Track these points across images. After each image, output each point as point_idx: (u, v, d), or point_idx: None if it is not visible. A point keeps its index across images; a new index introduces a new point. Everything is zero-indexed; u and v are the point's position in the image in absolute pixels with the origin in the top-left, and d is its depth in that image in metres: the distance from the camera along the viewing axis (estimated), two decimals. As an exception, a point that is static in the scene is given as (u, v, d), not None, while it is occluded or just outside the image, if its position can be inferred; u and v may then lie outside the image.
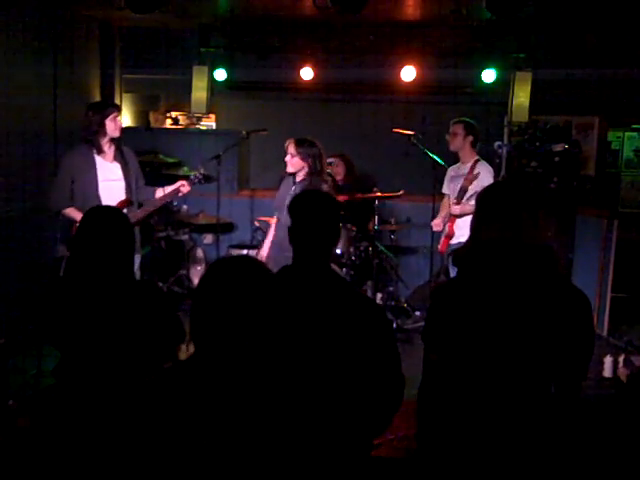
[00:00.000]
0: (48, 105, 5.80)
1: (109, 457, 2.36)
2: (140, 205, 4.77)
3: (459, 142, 5.37)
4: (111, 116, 4.53)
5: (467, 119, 5.44)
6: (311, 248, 2.32)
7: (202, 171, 4.96)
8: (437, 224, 5.45)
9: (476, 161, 5.29)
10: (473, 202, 4.51)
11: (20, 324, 4.93)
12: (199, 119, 7.94)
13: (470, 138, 5.36)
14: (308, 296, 2.24)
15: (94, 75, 6.86)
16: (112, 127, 4.53)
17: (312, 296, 2.24)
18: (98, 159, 4.55)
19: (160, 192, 4.81)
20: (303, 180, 4.45)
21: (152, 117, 8.32)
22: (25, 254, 5.31)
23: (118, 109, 4.69)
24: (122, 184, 4.62)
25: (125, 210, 4.47)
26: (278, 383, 1.86)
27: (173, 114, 8.30)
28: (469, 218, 4.52)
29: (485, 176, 5.17)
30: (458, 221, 5.23)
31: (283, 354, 2.13)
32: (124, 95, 7.41)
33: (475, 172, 5.18)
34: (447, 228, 5.35)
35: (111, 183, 4.58)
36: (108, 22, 6.82)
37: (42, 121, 5.73)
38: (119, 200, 4.59)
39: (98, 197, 4.48)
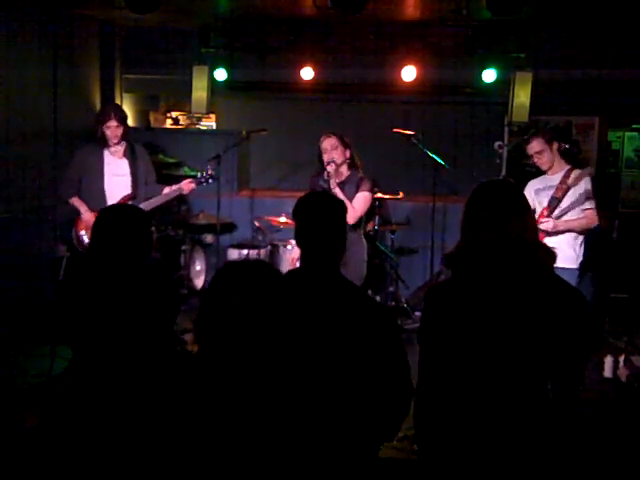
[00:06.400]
0: (48, 105, 5.81)
1: (120, 454, 2.36)
2: (147, 199, 4.95)
3: (548, 157, 4.42)
4: (106, 124, 4.75)
5: (536, 129, 4.77)
6: (319, 251, 2.30)
7: (210, 172, 5.17)
8: None
9: (570, 169, 4.37)
10: (568, 217, 4.30)
11: (20, 324, 4.93)
12: (199, 119, 7.95)
13: (555, 145, 4.44)
14: (316, 300, 2.22)
15: (94, 75, 6.86)
16: (109, 134, 4.79)
17: (320, 300, 2.22)
18: (107, 155, 4.86)
19: (167, 189, 5.04)
20: (350, 177, 4.50)
21: (152, 117, 8.31)
22: (25, 254, 5.31)
23: (115, 118, 4.77)
24: (128, 179, 4.87)
25: (130, 203, 4.72)
26: (285, 386, 1.85)
27: (173, 114, 8.29)
28: (563, 237, 4.28)
29: (585, 187, 4.33)
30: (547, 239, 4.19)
31: (291, 358, 2.12)
32: (124, 95, 7.40)
33: (570, 181, 4.27)
34: None
35: (118, 178, 4.86)
36: (108, 22, 6.82)
37: (42, 121, 5.73)
38: (123, 194, 4.82)
39: (103, 191, 4.81)
